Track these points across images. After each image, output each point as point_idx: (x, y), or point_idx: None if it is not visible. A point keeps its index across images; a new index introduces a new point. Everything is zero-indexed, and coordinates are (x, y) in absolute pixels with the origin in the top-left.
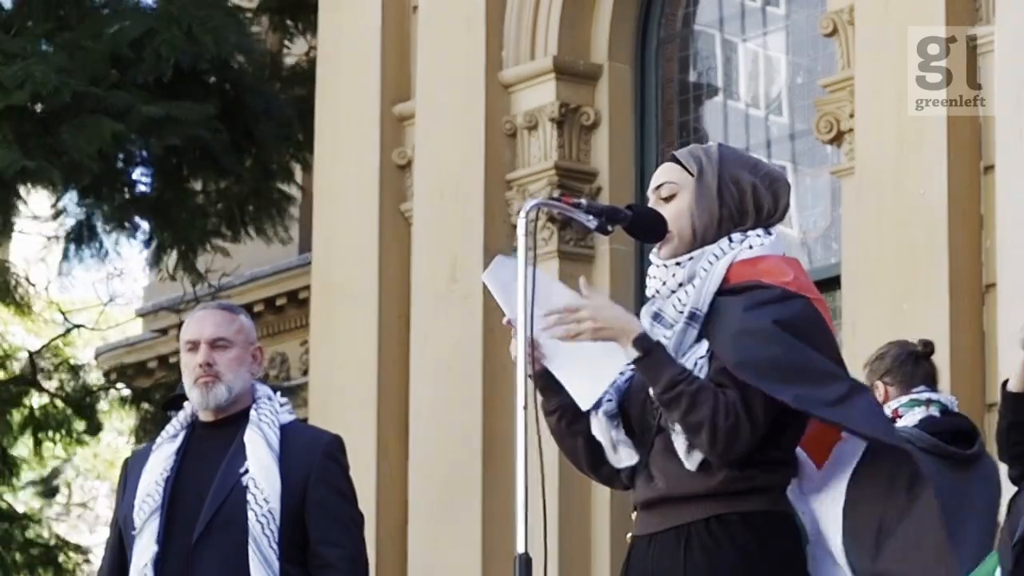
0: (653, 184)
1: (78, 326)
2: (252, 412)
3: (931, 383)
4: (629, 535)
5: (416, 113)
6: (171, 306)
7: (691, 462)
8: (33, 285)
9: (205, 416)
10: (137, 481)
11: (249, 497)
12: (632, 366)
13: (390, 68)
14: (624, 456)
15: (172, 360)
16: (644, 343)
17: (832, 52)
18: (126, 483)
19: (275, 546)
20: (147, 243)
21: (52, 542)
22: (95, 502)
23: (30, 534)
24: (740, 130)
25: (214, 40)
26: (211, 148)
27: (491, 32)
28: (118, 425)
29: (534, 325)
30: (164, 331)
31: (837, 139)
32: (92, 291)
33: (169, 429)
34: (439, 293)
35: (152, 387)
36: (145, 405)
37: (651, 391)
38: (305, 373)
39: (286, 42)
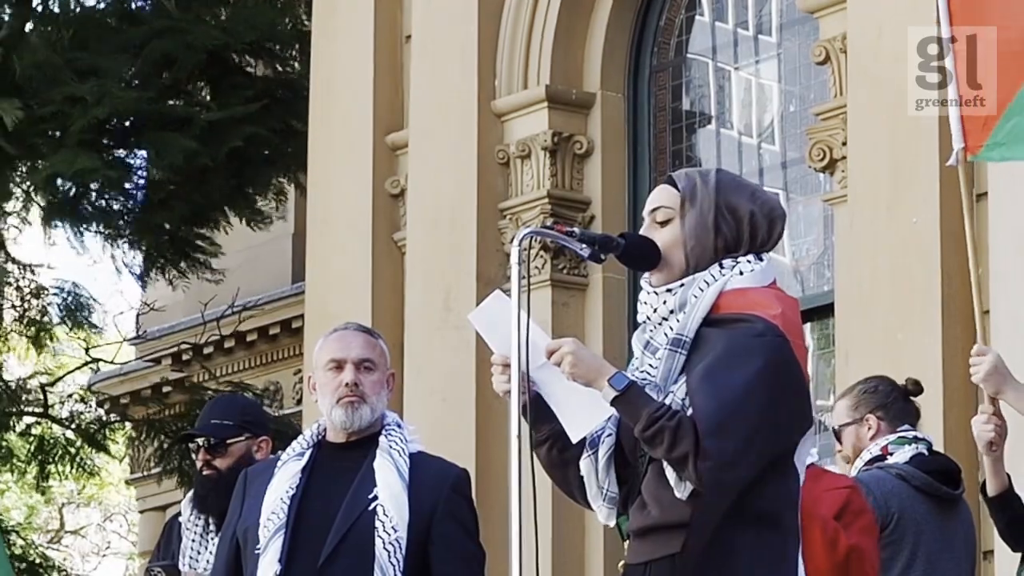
0: (649, 206)
1: (97, 360)
2: (382, 438)
3: (915, 423)
4: (621, 564)
5: (409, 142)
6: (163, 335)
7: (682, 491)
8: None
9: (336, 437)
10: (259, 496)
11: (377, 524)
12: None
13: (383, 97)
14: (603, 512)
15: (165, 389)
16: (619, 382)
17: (824, 80)
18: (244, 497)
19: (400, 574)
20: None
21: (37, 560)
22: (87, 530)
23: (16, 549)
24: (733, 158)
25: (247, 27)
26: (271, 145)
27: (484, 61)
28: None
29: (522, 360)
30: (157, 360)
31: (830, 167)
32: (111, 326)
33: (295, 447)
34: (432, 322)
35: (164, 418)
36: (155, 435)
37: (634, 431)
38: (299, 402)
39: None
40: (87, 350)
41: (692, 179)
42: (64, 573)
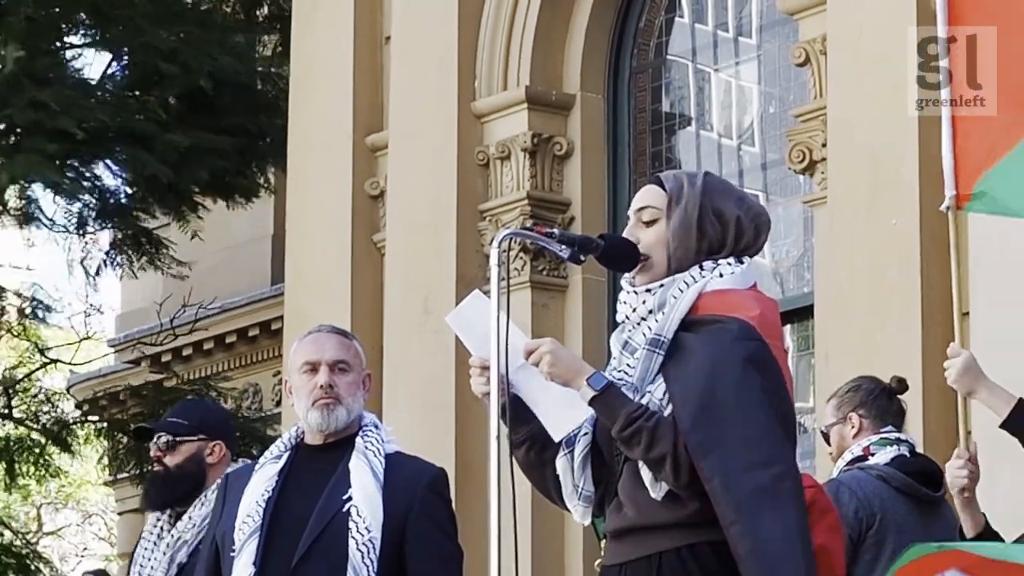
0: (635, 205)
1: (54, 361)
2: (358, 439)
3: (900, 422)
4: (598, 563)
5: (389, 143)
6: (143, 337)
7: (657, 492)
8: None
9: (314, 439)
10: (236, 500)
11: (351, 524)
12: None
13: (362, 98)
14: (579, 511)
15: (144, 392)
16: (597, 382)
17: (804, 82)
18: (224, 501)
19: (374, 575)
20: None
21: (24, 551)
22: (65, 531)
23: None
24: (712, 160)
25: (239, 60)
26: (232, 179)
27: (463, 62)
28: (87, 452)
29: (500, 362)
30: (136, 362)
31: (809, 168)
32: (68, 324)
33: (273, 450)
34: (412, 324)
35: (127, 418)
36: (118, 435)
37: (612, 431)
38: (278, 404)
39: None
40: (42, 352)
41: (680, 180)
42: (51, 566)
